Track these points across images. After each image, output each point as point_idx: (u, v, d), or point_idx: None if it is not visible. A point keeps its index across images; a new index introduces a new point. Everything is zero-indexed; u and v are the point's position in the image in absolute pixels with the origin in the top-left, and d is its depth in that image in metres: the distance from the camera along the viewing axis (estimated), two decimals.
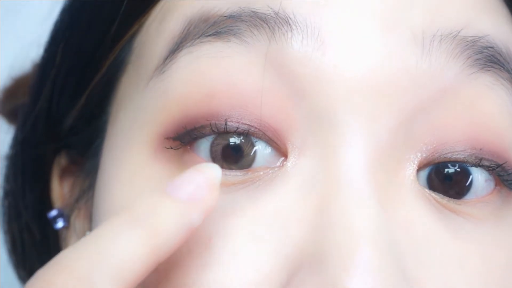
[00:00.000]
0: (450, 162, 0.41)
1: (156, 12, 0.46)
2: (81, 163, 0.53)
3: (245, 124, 0.41)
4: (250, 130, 0.41)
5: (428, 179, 0.42)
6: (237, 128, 0.41)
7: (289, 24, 0.40)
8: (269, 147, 0.41)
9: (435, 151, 0.41)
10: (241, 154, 0.41)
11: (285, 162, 0.41)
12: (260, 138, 0.41)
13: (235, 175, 0.41)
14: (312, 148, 0.40)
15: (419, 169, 0.41)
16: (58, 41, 0.52)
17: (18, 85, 0.67)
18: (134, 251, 0.34)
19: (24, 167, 0.57)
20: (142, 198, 0.36)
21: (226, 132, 0.41)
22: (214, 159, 0.42)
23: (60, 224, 0.56)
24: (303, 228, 0.39)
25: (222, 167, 0.39)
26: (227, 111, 0.41)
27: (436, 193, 0.41)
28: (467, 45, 0.41)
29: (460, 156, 0.41)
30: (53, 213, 0.56)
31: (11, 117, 0.67)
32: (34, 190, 0.56)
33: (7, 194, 0.58)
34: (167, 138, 0.42)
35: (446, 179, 0.42)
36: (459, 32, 0.40)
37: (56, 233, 0.56)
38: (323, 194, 0.39)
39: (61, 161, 0.55)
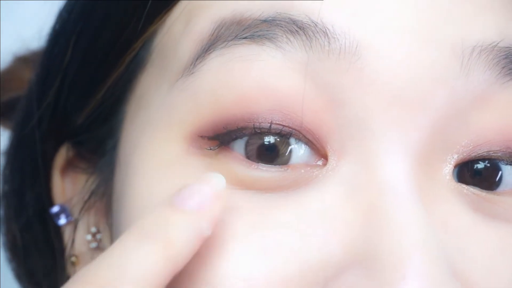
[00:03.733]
0: (483, 159, 0.43)
1: (179, 12, 0.45)
2: (90, 159, 0.52)
3: (286, 126, 0.41)
4: (292, 133, 0.42)
5: (459, 175, 0.43)
6: (281, 130, 0.41)
7: (327, 35, 0.40)
8: (305, 147, 0.42)
9: (471, 151, 0.42)
10: (276, 153, 0.42)
11: (326, 163, 0.42)
12: (300, 140, 0.42)
13: (275, 171, 0.42)
14: (352, 153, 0.41)
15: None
16: (68, 34, 0.50)
17: (2, 80, 0.65)
18: (153, 264, 0.36)
19: (24, 164, 0.55)
20: (153, 212, 0.38)
21: (264, 132, 0.42)
22: (249, 157, 0.42)
23: (62, 220, 0.54)
24: (350, 229, 0.40)
25: (258, 163, 0.42)
26: (266, 114, 0.41)
27: (470, 186, 0.43)
28: (503, 55, 0.42)
29: (494, 155, 0.43)
30: (55, 209, 0.55)
31: None
32: (35, 186, 0.55)
33: (5, 193, 0.57)
34: (202, 137, 0.43)
35: (476, 174, 0.43)
36: (498, 43, 0.41)
37: (58, 230, 0.55)
38: (368, 197, 0.40)
39: (63, 156, 0.54)
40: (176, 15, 0.45)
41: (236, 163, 0.42)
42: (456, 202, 0.42)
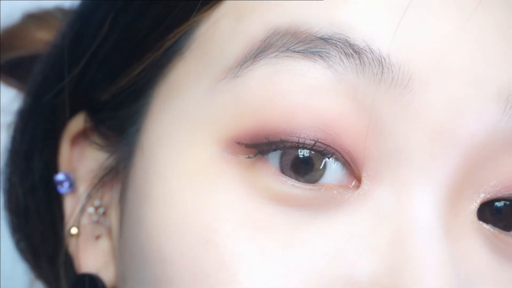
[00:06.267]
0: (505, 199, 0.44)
1: (229, 7, 0.45)
2: (108, 137, 0.51)
3: (328, 146, 0.42)
4: (333, 153, 0.42)
5: (480, 212, 0.44)
6: (324, 149, 0.42)
7: (382, 65, 0.41)
8: (340, 165, 0.42)
9: (498, 192, 0.44)
10: (311, 168, 0.42)
11: (358, 186, 0.42)
12: (338, 160, 0.42)
13: (310, 189, 0.42)
14: (386, 180, 0.42)
15: None
16: (105, 10, 0.49)
17: (10, 38, 0.63)
18: None
19: (37, 128, 0.54)
20: None
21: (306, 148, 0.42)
22: (283, 169, 0.42)
23: (65, 188, 0.54)
24: (375, 258, 0.40)
25: (291, 177, 0.42)
26: (309, 130, 0.41)
27: (489, 225, 0.44)
28: None
29: None
30: (60, 176, 0.54)
31: (1, 71, 0.64)
32: (44, 152, 0.54)
33: (13, 155, 0.56)
34: (239, 143, 0.43)
35: (496, 211, 0.44)
36: None
37: (60, 199, 0.54)
38: (396, 226, 0.41)
39: (77, 125, 0.53)
40: (226, 9, 0.45)
41: (272, 177, 0.42)
42: (478, 241, 0.43)
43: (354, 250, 0.41)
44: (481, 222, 0.44)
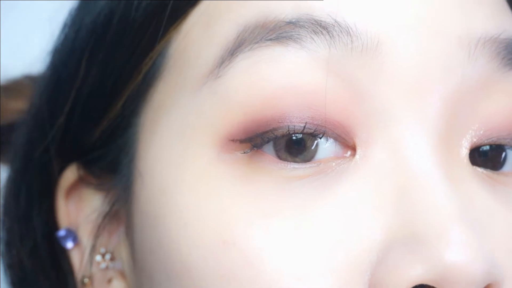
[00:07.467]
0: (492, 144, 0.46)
1: (196, 17, 0.47)
2: (102, 177, 0.52)
3: (317, 124, 0.43)
4: (324, 131, 0.44)
5: (470, 158, 0.46)
6: (314, 130, 0.43)
7: (350, 34, 0.43)
8: (331, 140, 0.44)
9: (483, 136, 0.46)
10: (303, 147, 0.44)
11: (354, 155, 0.44)
12: (329, 137, 0.44)
13: (309, 167, 0.43)
14: (378, 141, 0.44)
15: None
16: (80, 51, 0.51)
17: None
18: None
19: (31, 189, 0.55)
20: None
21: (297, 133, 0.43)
22: (278, 153, 0.44)
23: (70, 243, 0.54)
24: (387, 213, 0.42)
25: (287, 160, 0.43)
26: (296, 112, 0.43)
27: (481, 168, 0.46)
28: (503, 46, 0.45)
29: (504, 141, 0.46)
30: (62, 233, 0.54)
31: None
32: (41, 209, 0.54)
33: (9, 220, 0.56)
34: (233, 140, 0.44)
35: (483, 155, 0.46)
36: (499, 35, 0.45)
37: (65, 253, 0.54)
38: (398, 181, 0.42)
39: (69, 177, 0.53)
40: (193, 20, 0.47)
41: (271, 166, 0.43)
42: (476, 182, 0.45)
43: (363, 212, 0.42)
44: (474, 167, 0.46)
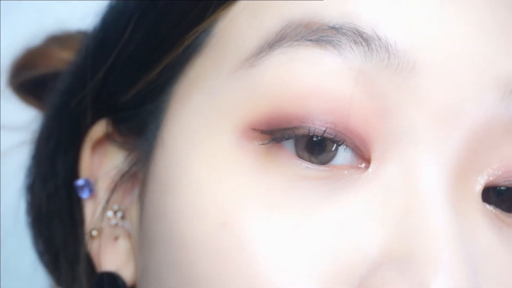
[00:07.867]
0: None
1: (243, 6, 0.48)
2: (128, 136, 0.54)
3: (338, 131, 0.44)
4: (344, 139, 0.44)
5: (483, 194, 0.46)
6: (334, 136, 0.44)
7: (388, 51, 0.44)
8: (349, 149, 0.45)
9: (501, 176, 0.46)
10: (324, 149, 0.45)
11: (368, 167, 0.44)
12: (348, 146, 0.45)
13: (322, 170, 0.44)
14: (394, 159, 0.44)
15: None
16: (130, 13, 0.52)
17: (33, 57, 0.66)
18: None
19: (61, 134, 0.57)
20: None
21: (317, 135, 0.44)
22: (297, 150, 0.45)
23: (86, 194, 0.56)
24: (386, 230, 0.43)
25: (303, 158, 0.44)
26: (319, 115, 0.44)
27: (492, 206, 0.46)
28: None
29: None
30: (80, 182, 0.56)
31: (21, 89, 0.67)
32: (67, 157, 0.56)
33: (36, 160, 0.58)
34: (254, 129, 0.45)
35: (499, 194, 0.47)
36: None
37: (80, 202, 0.56)
38: (405, 200, 0.43)
39: (99, 131, 0.55)
40: (241, 7, 0.48)
41: (286, 161, 0.44)
42: (482, 218, 0.45)
43: (365, 224, 0.43)
44: (485, 203, 0.46)
